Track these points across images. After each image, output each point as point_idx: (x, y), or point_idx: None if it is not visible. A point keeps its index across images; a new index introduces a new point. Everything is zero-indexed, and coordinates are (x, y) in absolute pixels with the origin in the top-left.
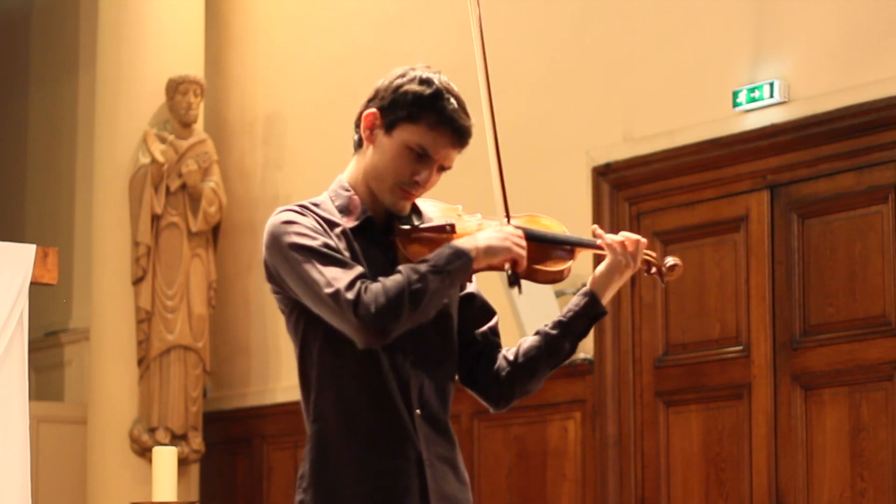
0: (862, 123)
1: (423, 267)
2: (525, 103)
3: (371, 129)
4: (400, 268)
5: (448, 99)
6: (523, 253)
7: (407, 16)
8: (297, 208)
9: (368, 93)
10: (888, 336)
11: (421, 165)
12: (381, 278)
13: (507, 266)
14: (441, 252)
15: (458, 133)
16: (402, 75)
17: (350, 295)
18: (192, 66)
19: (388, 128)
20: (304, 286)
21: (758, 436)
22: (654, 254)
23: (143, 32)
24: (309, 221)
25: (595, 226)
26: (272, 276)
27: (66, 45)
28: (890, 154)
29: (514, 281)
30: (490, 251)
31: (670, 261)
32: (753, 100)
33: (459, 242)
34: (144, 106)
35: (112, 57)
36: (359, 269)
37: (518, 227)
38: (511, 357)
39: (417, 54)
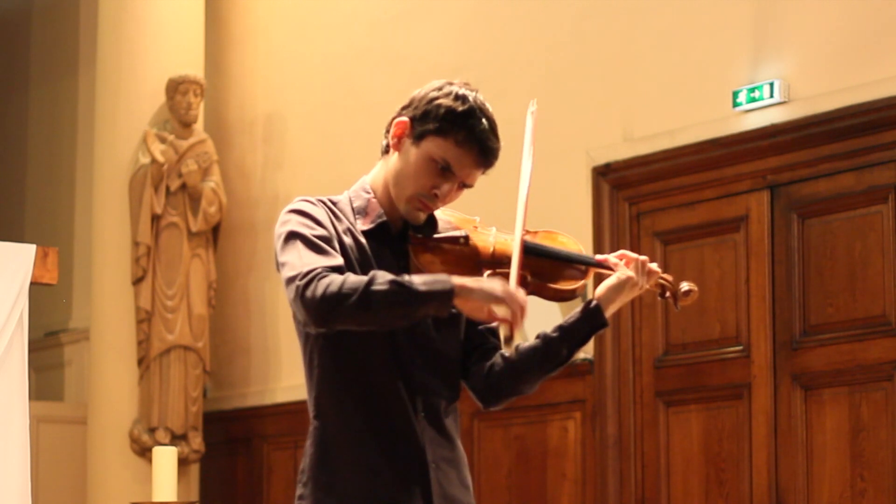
0: (862, 123)
1: (394, 276)
2: (525, 103)
3: (400, 137)
4: (376, 271)
5: (480, 118)
6: (518, 311)
7: (407, 16)
8: (313, 199)
9: (403, 100)
10: (888, 336)
11: (442, 179)
12: (349, 273)
13: (498, 324)
14: (430, 274)
15: (483, 153)
16: (439, 88)
17: (305, 280)
18: (192, 66)
19: (417, 138)
20: (280, 266)
21: (758, 436)
22: (669, 277)
23: (143, 32)
24: (319, 212)
25: (625, 251)
26: (278, 267)
27: (66, 45)
28: (890, 154)
29: (507, 339)
30: (477, 293)
31: (685, 286)
32: (753, 100)
33: (455, 277)
34: (144, 106)
35: (112, 57)
36: (336, 260)
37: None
38: (507, 355)
39: (417, 54)
